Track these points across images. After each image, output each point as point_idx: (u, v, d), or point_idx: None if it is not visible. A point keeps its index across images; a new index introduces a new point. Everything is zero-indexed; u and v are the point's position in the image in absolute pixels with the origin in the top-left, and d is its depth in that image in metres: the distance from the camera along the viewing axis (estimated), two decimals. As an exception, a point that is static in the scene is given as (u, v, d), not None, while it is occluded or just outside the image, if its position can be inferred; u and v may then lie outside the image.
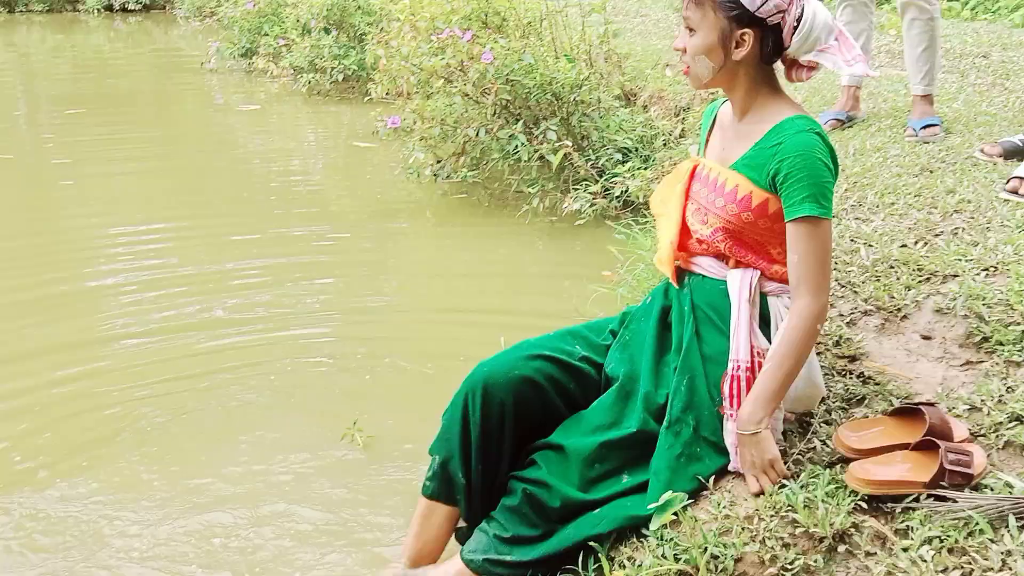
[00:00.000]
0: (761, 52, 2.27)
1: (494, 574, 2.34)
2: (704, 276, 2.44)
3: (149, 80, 12.18)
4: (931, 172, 3.83)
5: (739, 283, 2.34)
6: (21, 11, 19.51)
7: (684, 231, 2.46)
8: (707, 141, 2.55)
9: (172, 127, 9.26)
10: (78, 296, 4.82)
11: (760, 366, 2.28)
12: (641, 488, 2.31)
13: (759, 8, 2.20)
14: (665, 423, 2.32)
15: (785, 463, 2.27)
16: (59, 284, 4.97)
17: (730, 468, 2.32)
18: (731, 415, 2.28)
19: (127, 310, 4.58)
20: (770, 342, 2.33)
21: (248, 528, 2.88)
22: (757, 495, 2.21)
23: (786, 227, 2.25)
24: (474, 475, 2.45)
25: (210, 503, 3.02)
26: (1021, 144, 3.90)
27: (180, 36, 16.39)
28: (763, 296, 2.37)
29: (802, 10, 2.24)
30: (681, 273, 2.49)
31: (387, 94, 6.50)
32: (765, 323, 2.37)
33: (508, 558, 2.32)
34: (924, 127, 4.34)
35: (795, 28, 2.24)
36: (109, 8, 19.70)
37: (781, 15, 2.22)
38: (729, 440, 2.30)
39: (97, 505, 3.02)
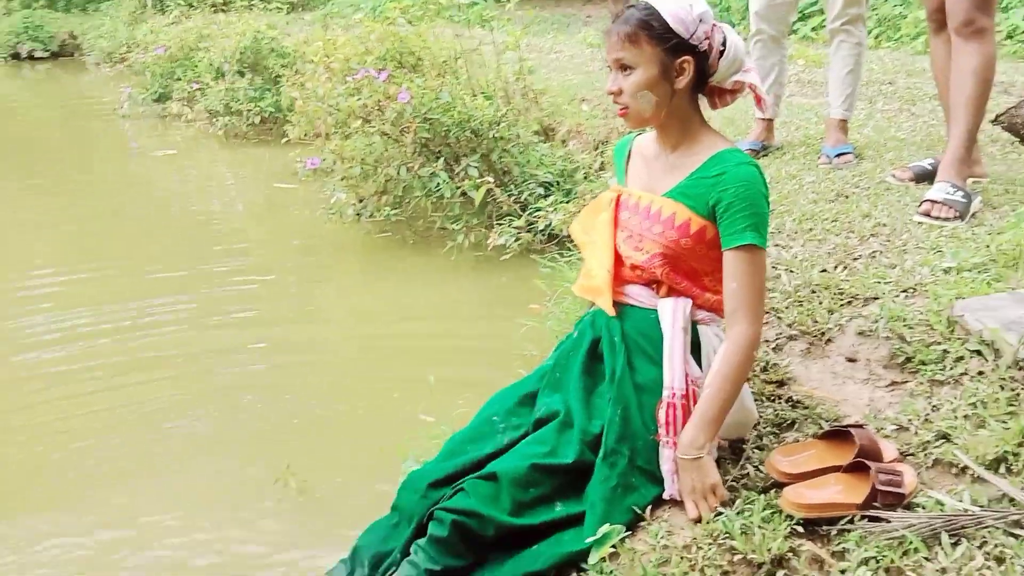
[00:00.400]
0: (696, 77, 2.32)
1: None
2: (634, 306, 2.45)
3: (61, 127, 11.92)
4: (846, 197, 3.92)
5: (671, 312, 2.36)
6: (-78, 61, 19.00)
7: (617, 259, 2.47)
8: (626, 172, 2.58)
9: (86, 174, 9.05)
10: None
11: (695, 394, 2.30)
12: (575, 520, 2.28)
13: (692, 35, 2.26)
14: (600, 454, 2.31)
15: (720, 489, 2.28)
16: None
17: (665, 496, 2.31)
18: (667, 443, 2.29)
19: (43, 356, 4.45)
20: (701, 370, 2.36)
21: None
22: (696, 521, 2.21)
23: (724, 255, 2.29)
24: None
25: (135, 555, 2.92)
26: (930, 168, 4.01)
27: (91, 82, 16.08)
28: (694, 324, 2.40)
29: (724, 35, 2.31)
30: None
31: (305, 135, 6.45)
32: (695, 351, 2.39)
33: None
34: (838, 155, 4.44)
35: (721, 53, 2.31)
36: (16, 56, 19.27)
37: (708, 40, 2.29)
38: (665, 468, 2.30)
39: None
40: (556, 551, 2.25)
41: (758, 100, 2.45)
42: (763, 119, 4.97)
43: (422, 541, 2.31)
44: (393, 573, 2.34)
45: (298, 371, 4.29)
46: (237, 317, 4.94)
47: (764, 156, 4.86)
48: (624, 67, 2.31)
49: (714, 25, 2.31)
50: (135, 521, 3.10)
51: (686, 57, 2.28)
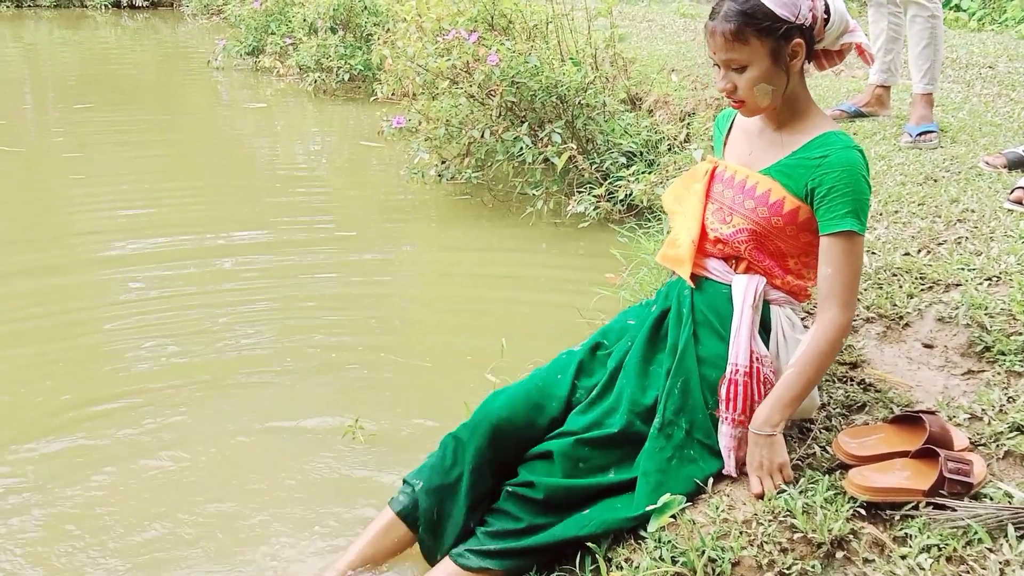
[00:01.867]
0: (806, 54, 2.30)
1: (482, 566, 2.32)
2: (709, 279, 2.44)
3: (156, 76, 12.20)
4: (935, 181, 3.83)
5: (744, 289, 2.35)
6: (29, 6, 19.55)
7: (702, 231, 2.46)
8: (724, 145, 2.56)
9: (179, 124, 9.26)
10: (83, 291, 4.81)
11: (758, 371, 2.29)
12: (628, 486, 2.31)
13: (798, 15, 2.23)
14: (656, 425, 2.31)
15: (786, 469, 2.27)
16: (64, 278, 4.98)
17: (724, 472, 2.32)
18: (726, 419, 2.29)
19: (132, 307, 4.57)
20: (768, 349, 2.34)
21: (249, 519, 2.88)
22: (759, 497, 2.21)
23: (821, 240, 2.27)
24: (455, 513, 2.42)
25: (214, 495, 3.02)
26: (1026, 155, 3.90)
27: (187, 33, 16.41)
28: (765, 303, 2.38)
29: (824, 1, 2.28)
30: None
31: (392, 94, 6.51)
32: (764, 330, 2.38)
33: (494, 547, 2.31)
34: (921, 134, 4.34)
35: (825, 21, 2.28)
36: (116, 4, 19.75)
37: (812, 13, 2.25)
38: (723, 443, 2.31)
39: (97, 487, 3.04)
40: (608, 516, 2.27)
41: (860, 52, 2.39)
42: (876, 85, 4.87)
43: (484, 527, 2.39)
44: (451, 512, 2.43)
45: (372, 327, 4.35)
46: (315, 272, 5.02)
47: (852, 123, 4.78)
48: (736, 67, 2.28)
49: None
50: (200, 467, 3.20)
51: (797, 40, 2.25)
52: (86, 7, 19.79)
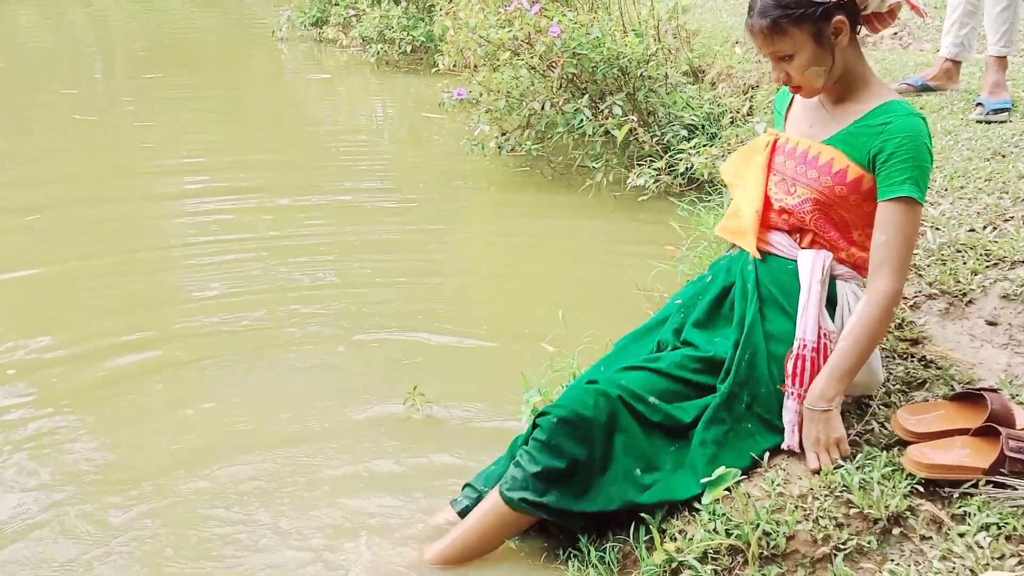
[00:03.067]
0: (851, 27, 2.28)
1: (535, 513, 2.34)
2: (773, 254, 2.43)
3: (222, 47, 12.34)
4: (1003, 157, 3.75)
5: (811, 263, 2.34)
6: (99, -24, 19.82)
7: (765, 202, 2.46)
8: (785, 119, 2.55)
9: (244, 94, 9.38)
10: (152, 261, 4.92)
11: (825, 348, 2.29)
12: (669, 428, 2.33)
13: None
14: (720, 396, 2.32)
15: (843, 444, 2.26)
16: (134, 245, 5.11)
17: (784, 447, 2.32)
18: (791, 394, 2.29)
19: (197, 274, 4.67)
20: (834, 325, 2.33)
21: (304, 485, 2.94)
22: (815, 472, 2.21)
23: (879, 206, 2.26)
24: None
25: (269, 460, 3.08)
26: (1099, 131, 3.80)
27: (253, 3, 16.50)
28: (832, 279, 2.37)
29: None
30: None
31: (454, 66, 6.51)
32: (831, 306, 2.36)
33: (545, 500, 2.30)
34: (995, 110, 4.25)
35: None
36: (182, -28, 19.93)
37: None
38: (787, 418, 2.30)
39: (161, 456, 3.11)
40: (664, 491, 2.28)
41: (915, 8, 2.36)
42: (946, 58, 4.78)
43: (526, 445, 2.38)
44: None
45: (430, 296, 4.39)
46: (375, 241, 5.07)
47: (919, 96, 4.70)
48: (783, 57, 2.28)
49: None
50: (262, 432, 3.26)
51: (838, 17, 2.24)
52: (154, -23, 20.01)
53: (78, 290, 4.45)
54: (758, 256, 2.44)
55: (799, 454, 2.30)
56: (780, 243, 2.44)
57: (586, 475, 2.31)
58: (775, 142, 2.48)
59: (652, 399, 2.34)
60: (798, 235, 2.43)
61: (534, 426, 2.38)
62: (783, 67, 2.30)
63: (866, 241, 2.35)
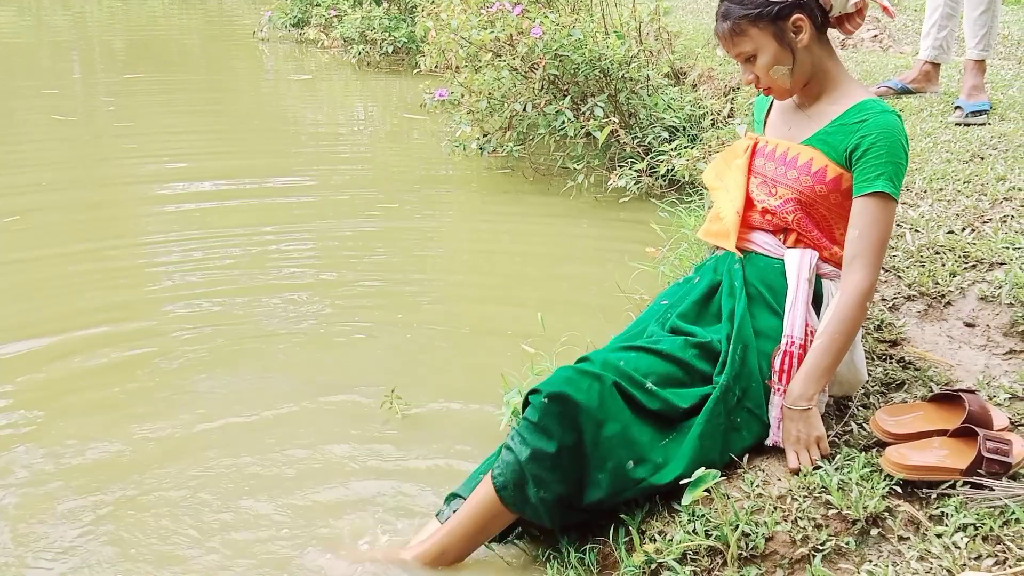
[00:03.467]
0: (814, 27, 2.30)
1: (521, 503, 2.30)
2: (758, 253, 2.44)
3: (203, 47, 12.31)
4: (982, 159, 3.78)
5: (798, 262, 2.36)
6: (77, -25, 19.72)
7: (747, 203, 2.47)
8: (765, 124, 2.58)
9: (225, 94, 9.35)
10: (131, 256, 4.90)
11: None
12: (664, 418, 2.30)
13: None
14: (720, 389, 2.29)
15: (822, 444, 2.27)
16: (115, 241, 5.09)
17: (768, 443, 2.33)
18: (778, 389, 2.30)
19: (175, 269, 4.67)
20: (820, 322, 2.34)
21: (280, 489, 2.91)
22: (795, 472, 2.21)
23: (854, 202, 2.29)
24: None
25: (247, 464, 3.04)
26: (1077, 133, 3.83)
27: (233, 4, 16.50)
28: (817, 278, 2.39)
29: None
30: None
31: (436, 67, 6.51)
32: (816, 304, 2.38)
33: (531, 495, 2.26)
34: (974, 112, 4.28)
35: None
36: (163, -26, 19.87)
37: None
38: (773, 414, 2.31)
39: (138, 461, 3.07)
40: (651, 476, 2.25)
41: (884, 9, 2.44)
42: (925, 61, 4.81)
43: (517, 427, 2.34)
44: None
45: (411, 297, 4.38)
46: (356, 241, 5.06)
47: (896, 100, 4.72)
48: (748, 58, 2.35)
49: None
50: (230, 431, 3.24)
51: (796, 16, 2.29)
52: (134, -23, 19.92)
53: (55, 284, 4.45)
54: (739, 254, 2.45)
55: (779, 454, 2.30)
56: (765, 243, 2.45)
57: (576, 465, 2.25)
58: (755, 146, 2.51)
59: (650, 384, 2.29)
60: (782, 235, 2.44)
61: (526, 404, 2.35)
62: (751, 69, 2.37)
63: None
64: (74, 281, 4.49)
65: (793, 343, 2.30)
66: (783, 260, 2.39)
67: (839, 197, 2.33)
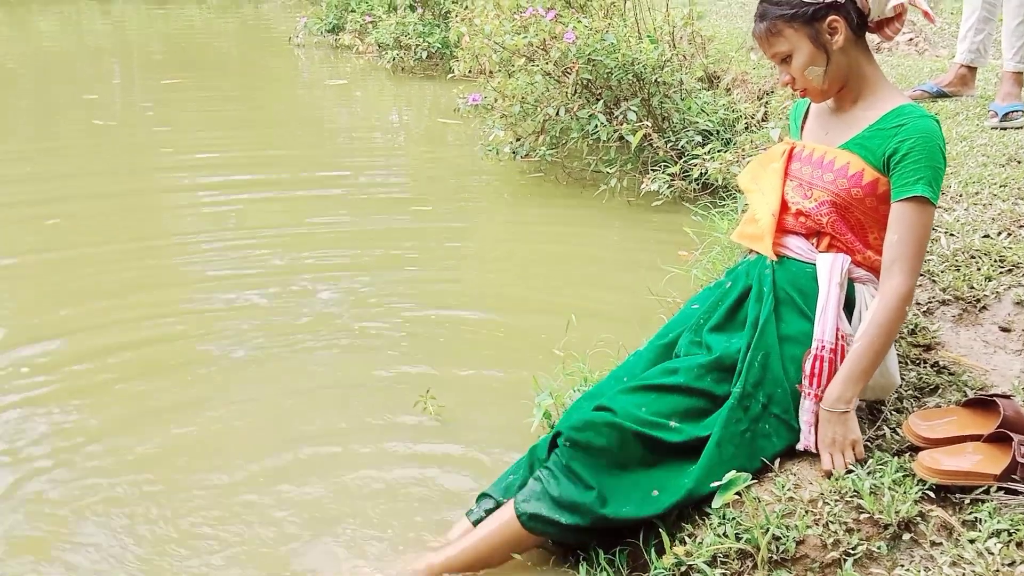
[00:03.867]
0: (850, 29, 2.31)
1: (546, 532, 2.36)
2: (791, 258, 2.44)
3: (240, 53, 12.43)
4: (1018, 163, 3.74)
5: (830, 266, 2.35)
6: (118, -17, 19.96)
7: (782, 206, 2.48)
8: (801, 129, 2.58)
9: (262, 99, 9.43)
10: (168, 257, 4.99)
11: (843, 349, 2.29)
12: (693, 449, 2.31)
13: None
14: (734, 397, 2.31)
15: (855, 447, 2.26)
16: (152, 241, 5.20)
17: (799, 447, 2.32)
18: (808, 394, 2.29)
19: (212, 267, 4.76)
20: (851, 327, 2.33)
21: (315, 486, 2.94)
22: (828, 474, 2.21)
23: (892, 207, 2.29)
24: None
25: (280, 461, 3.09)
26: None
27: (270, 10, 16.62)
28: (850, 282, 2.38)
29: None
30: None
31: (470, 72, 6.53)
32: (848, 309, 2.37)
33: (561, 520, 2.32)
34: (1007, 113, 4.24)
35: None
36: (202, -20, 20.07)
37: None
38: (804, 418, 2.31)
39: (175, 453, 3.13)
40: (676, 493, 2.27)
41: (925, 14, 2.43)
42: (961, 64, 4.77)
43: (547, 462, 2.39)
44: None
45: (444, 299, 4.40)
46: (390, 246, 5.09)
47: (934, 103, 4.69)
48: (784, 59, 2.36)
49: None
50: (281, 428, 3.28)
51: (832, 17, 2.29)
52: (172, -17, 20.14)
53: (90, 280, 4.55)
54: (774, 259, 2.45)
55: (810, 458, 2.30)
56: (798, 247, 2.45)
57: (601, 502, 2.30)
58: (792, 150, 2.52)
59: (674, 423, 2.34)
60: (815, 239, 2.44)
61: (553, 443, 2.40)
62: (786, 70, 2.38)
63: (882, 244, 2.35)
64: (113, 280, 4.56)
65: (824, 347, 2.29)
66: (815, 264, 2.39)
67: (875, 201, 2.33)
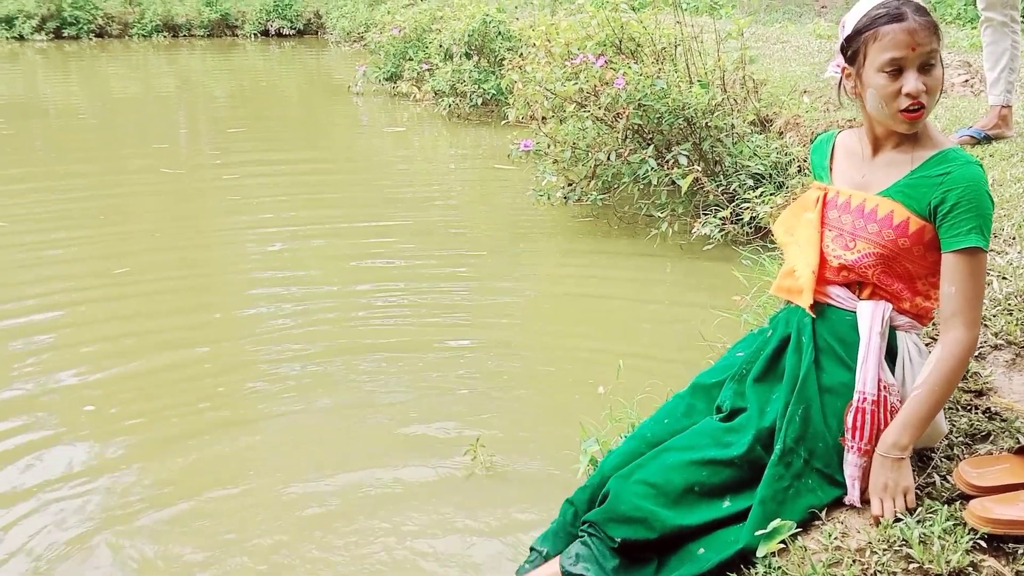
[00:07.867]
0: None
1: None
2: (831, 306, 2.40)
3: (301, 101, 12.71)
4: (1076, 204, 3.68)
5: (871, 315, 2.30)
6: (184, 36, 20.53)
7: (821, 260, 2.41)
8: (830, 170, 2.51)
9: (323, 146, 9.68)
10: (228, 301, 5.15)
11: (886, 400, 2.24)
12: (742, 516, 2.28)
13: None
14: (776, 453, 2.28)
15: (905, 496, 2.22)
16: (213, 280, 5.46)
17: (846, 501, 2.27)
18: (852, 447, 2.25)
19: (270, 309, 4.93)
20: (894, 377, 2.29)
21: (362, 533, 2.98)
22: (876, 522, 2.17)
23: (944, 258, 2.22)
24: None
25: (325, 507, 3.13)
26: None
27: (330, 60, 16.98)
28: (891, 330, 2.33)
29: None
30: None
31: (522, 118, 6.61)
32: (890, 357, 2.32)
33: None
34: None
35: None
36: (265, 33, 20.57)
37: None
38: (848, 472, 2.26)
39: (210, 496, 3.20)
40: (723, 550, 2.24)
41: None
42: (1002, 106, 4.73)
43: (592, 530, 2.36)
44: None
45: (496, 342, 4.45)
46: (444, 288, 5.17)
47: (982, 144, 4.64)
48: (928, 65, 2.21)
49: None
50: (324, 475, 3.33)
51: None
52: (236, 36, 20.66)
53: (153, 315, 4.78)
54: (813, 315, 2.41)
55: (859, 508, 2.26)
56: (839, 296, 2.40)
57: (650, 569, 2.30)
58: (825, 196, 2.44)
59: (727, 503, 2.31)
60: (857, 287, 2.39)
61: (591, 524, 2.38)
62: (922, 77, 2.21)
63: (930, 290, 2.32)
64: (179, 328, 4.71)
65: (865, 399, 2.24)
66: (855, 313, 2.36)
67: (922, 249, 2.27)
